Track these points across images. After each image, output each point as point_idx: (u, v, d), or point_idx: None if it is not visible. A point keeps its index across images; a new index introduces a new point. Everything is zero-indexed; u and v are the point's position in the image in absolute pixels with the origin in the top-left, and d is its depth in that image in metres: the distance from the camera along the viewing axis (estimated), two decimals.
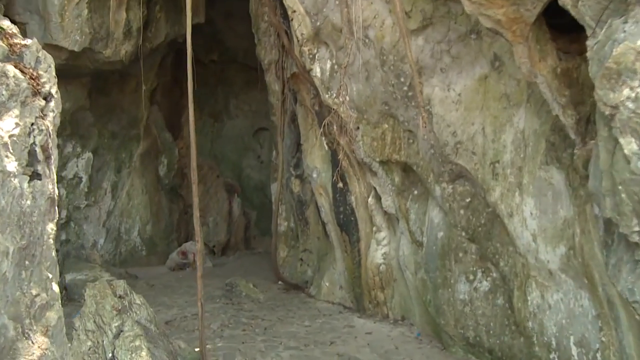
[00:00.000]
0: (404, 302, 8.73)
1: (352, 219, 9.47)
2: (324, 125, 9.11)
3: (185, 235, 18.44)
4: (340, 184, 8.99)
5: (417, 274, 8.05)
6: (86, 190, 17.18)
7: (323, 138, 9.61)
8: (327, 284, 10.56)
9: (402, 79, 7.46)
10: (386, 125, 8.15)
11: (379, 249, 9.00)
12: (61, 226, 17.01)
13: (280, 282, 12.05)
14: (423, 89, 7.22)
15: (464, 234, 7.10)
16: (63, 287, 10.77)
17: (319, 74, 9.16)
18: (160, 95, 18.83)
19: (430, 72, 7.15)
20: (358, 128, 8.52)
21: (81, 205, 17.19)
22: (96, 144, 17.45)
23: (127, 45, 12.56)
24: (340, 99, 8.82)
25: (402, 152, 7.99)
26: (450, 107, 6.96)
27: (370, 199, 8.94)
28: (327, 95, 9.01)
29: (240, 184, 19.92)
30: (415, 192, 8.16)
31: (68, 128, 17.41)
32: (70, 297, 10.88)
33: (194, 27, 17.14)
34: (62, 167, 17.31)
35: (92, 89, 17.42)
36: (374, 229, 9.11)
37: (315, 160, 10.32)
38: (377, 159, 8.32)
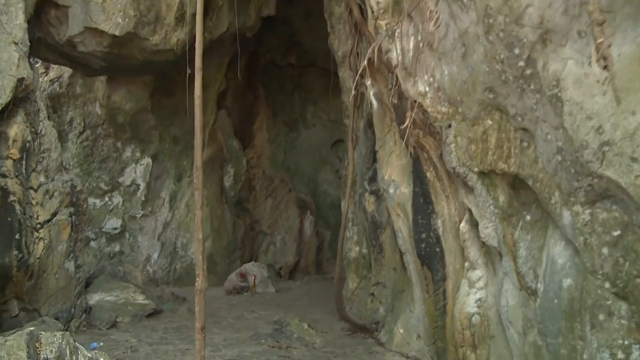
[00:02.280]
0: None
1: (437, 249, 7.11)
2: (405, 124, 6.87)
3: (250, 254, 16.60)
4: (423, 202, 6.72)
5: (527, 335, 5.59)
6: (143, 199, 15.74)
7: (402, 142, 7.33)
8: (401, 331, 8.22)
9: (516, 50, 5.11)
10: (489, 122, 5.78)
11: (472, 294, 6.58)
12: (115, 237, 15.63)
13: (344, 321, 9.80)
14: (548, 63, 4.84)
15: (607, 285, 4.62)
16: (84, 310, 9.04)
17: (399, 56, 6.94)
18: (231, 100, 17.21)
19: (560, 39, 4.76)
20: (449, 126, 6.20)
21: (137, 215, 15.73)
22: (156, 149, 16.00)
23: (179, 32, 10.86)
24: (426, 88, 6.55)
25: (511, 159, 5.59)
26: (593, 89, 4.54)
27: (462, 225, 6.56)
28: (409, 84, 6.77)
29: (315, 200, 17.86)
30: (528, 217, 5.71)
31: (128, 131, 16.05)
32: (92, 322, 9.12)
33: (264, 20, 15.42)
34: (119, 172, 15.94)
35: (155, 89, 16.01)
36: (467, 265, 6.72)
37: (393, 171, 8.07)
38: (475, 169, 5.96)
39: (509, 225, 5.87)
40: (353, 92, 8.93)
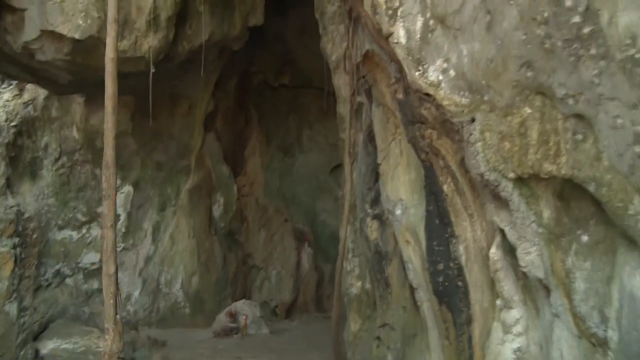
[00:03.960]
0: None
1: (459, 283, 5.58)
2: (413, 125, 5.44)
3: (243, 291, 15.04)
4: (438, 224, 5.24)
5: None
6: (124, 230, 14.22)
7: (411, 148, 5.89)
8: None
9: (567, 2, 3.68)
10: (528, 110, 4.31)
11: (508, 341, 5.02)
12: (93, 272, 14.07)
13: None
14: (618, 15, 3.41)
15: None
16: (33, 358, 7.48)
17: (403, 40, 5.52)
18: (221, 122, 15.85)
19: None
20: (473, 120, 4.73)
21: (117, 248, 14.16)
22: (138, 175, 14.55)
23: (152, 39, 9.50)
24: (439, 76, 5.12)
25: (562, 158, 4.11)
26: None
27: (493, 251, 5.02)
28: (417, 73, 5.33)
29: (313, 231, 16.34)
30: (585, 238, 4.19)
31: None
32: None
33: (255, 38, 14.12)
34: (98, 202, 14.44)
35: (136, 110, 14.64)
36: (499, 303, 5.17)
37: (400, 188, 6.59)
38: (511, 175, 4.46)
39: (558, 249, 4.35)
40: (349, 96, 7.51)
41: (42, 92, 14.54)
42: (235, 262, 14.99)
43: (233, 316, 12.44)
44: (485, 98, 4.64)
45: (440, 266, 5.71)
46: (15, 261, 7.27)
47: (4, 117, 14.93)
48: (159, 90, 14.47)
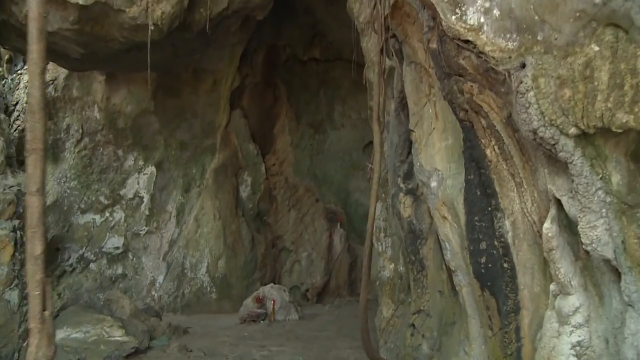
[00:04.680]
0: None
1: (505, 265, 4.74)
2: (450, 79, 4.60)
3: (272, 275, 14.36)
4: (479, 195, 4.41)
5: None
6: (147, 213, 13.71)
7: (448, 108, 5.04)
8: None
9: None
10: (595, 47, 3.44)
11: (566, 334, 4.19)
12: (117, 257, 13.64)
13: None
14: None
15: None
16: None
17: None
18: (248, 99, 15.11)
19: None
20: (523, 66, 3.86)
21: (141, 231, 13.72)
22: (161, 156, 13.96)
23: (164, 4, 8.77)
24: (480, 18, 4.26)
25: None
26: None
27: (547, 226, 4.18)
28: (453, 17, 4.47)
29: (346, 211, 15.56)
30: None
31: (129, 136, 14.06)
32: None
33: (282, 10, 13.26)
34: (120, 184, 13.97)
35: (158, 88, 14.03)
36: (553, 288, 4.35)
37: (435, 156, 5.76)
38: (572, 130, 3.61)
39: (632, 222, 3.50)
40: (378, 58, 6.67)
41: (62, 72, 14.08)
42: (264, 244, 14.32)
43: (260, 301, 11.80)
44: (539, 37, 3.77)
45: (483, 245, 4.87)
46: (16, 245, 6.69)
47: (25, 99, 14.55)
48: (181, 65, 13.89)
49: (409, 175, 7.57)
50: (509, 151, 4.37)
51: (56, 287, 13.30)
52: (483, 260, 4.89)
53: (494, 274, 4.83)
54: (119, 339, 7.94)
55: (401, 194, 7.60)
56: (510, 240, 4.61)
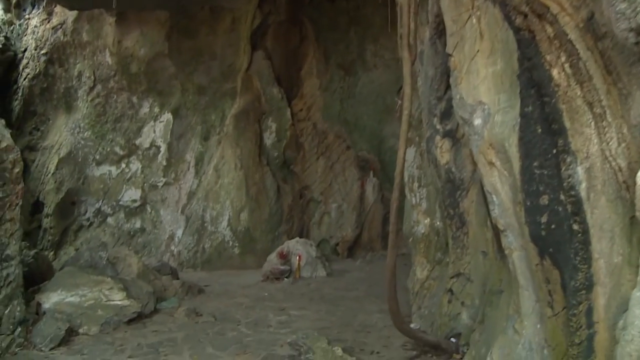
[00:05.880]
0: None
1: (576, 227, 3.57)
2: None
3: (299, 228, 13.42)
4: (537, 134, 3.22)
5: None
6: (164, 163, 12.79)
7: (496, 23, 3.79)
8: None
9: None
10: None
11: None
12: (135, 210, 12.83)
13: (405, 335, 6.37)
14: None
15: None
16: (19, 321, 6.16)
17: None
18: (271, 39, 13.88)
19: None
20: None
21: (158, 183, 12.84)
22: (178, 102, 12.93)
23: None
24: None
25: None
26: None
27: None
28: None
29: (379, 159, 14.38)
30: None
31: (143, 82, 13.02)
32: (32, 339, 6.20)
33: None
34: (136, 133, 13.03)
35: (172, 29, 12.88)
36: None
37: (480, 86, 4.52)
38: None
39: None
40: None
41: (70, 15, 13.10)
42: (291, 195, 13.33)
43: (285, 257, 10.86)
44: None
45: (544, 199, 3.70)
46: None
47: (33, 45, 13.64)
48: (196, 3, 12.70)
49: (447, 114, 6.38)
50: (586, 70, 3.14)
51: (74, 242, 12.68)
52: (544, 219, 3.72)
53: (559, 237, 3.66)
54: (119, 302, 7.08)
55: (438, 137, 6.44)
56: (583, 194, 3.42)
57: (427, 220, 7.44)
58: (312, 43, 14.66)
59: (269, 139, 13.38)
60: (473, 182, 6.09)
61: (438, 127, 6.47)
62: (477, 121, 4.52)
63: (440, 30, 6.37)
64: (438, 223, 7.26)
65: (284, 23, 14.15)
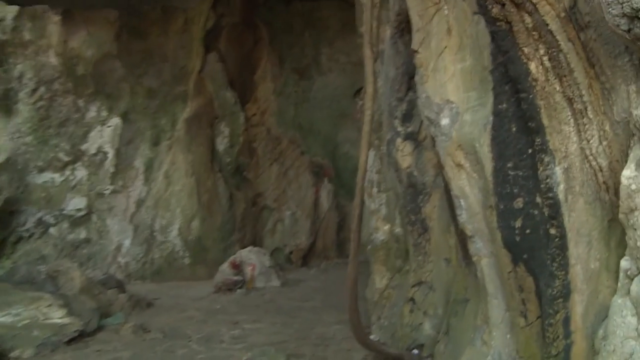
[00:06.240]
0: None
1: (553, 231, 3.35)
2: None
3: (252, 236, 13.02)
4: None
5: None
6: (112, 170, 12.20)
7: (465, 18, 3.58)
8: None
9: None
10: None
11: None
12: (80, 220, 12.21)
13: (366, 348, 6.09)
14: None
15: None
16: None
17: None
18: (225, 41, 13.50)
19: None
20: None
21: (105, 191, 12.25)
22: (126, 105, 12.34)
23: None
24: None
25: None
26: None
27: (629, 173, 2.76)
28: None
29: (334, 164, 14.17)
30: None
31: (90, 84, 12.43)
32: None
33: None
34: (82, 138, 12.41)
35: (121, 29, 12.35)
36: (627, 265, 2.96)
37: (447, 84, 4.29)
38: None
39: None
40: None
41: (10, 11, 12.37)
42: (244, 202, 12.93)
43: (237, 267, 10.46)
44: None
45: (519, 203, 3.48)
46: None
47: None
48: (147, 2, 12.24)
49: (408, 116, 6.17)
50: (567, 63, 2.93)
51: (11, 255, 11.93)
52: (518, 224, 3.50)
53: (534, 243, 3.45)
54: (59, 321, 6.55)
55: (399, 140, 6.21)
56: (561, 196, 3.21)
57: (387, 227, 7.21)
58: (266, 46, 14.38)
59: (221, 144, 12.98)
60: (435, 186, 5.88)
61: (399, 129, 6.24)
62: (445, 121, 4.29)
63: (401, 29, 6.17)
64: (398, 230, 7.04)
65: (238, 25, 13.83)
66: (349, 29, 14.16)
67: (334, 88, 14.54)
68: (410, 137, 6.06)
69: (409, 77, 6.07)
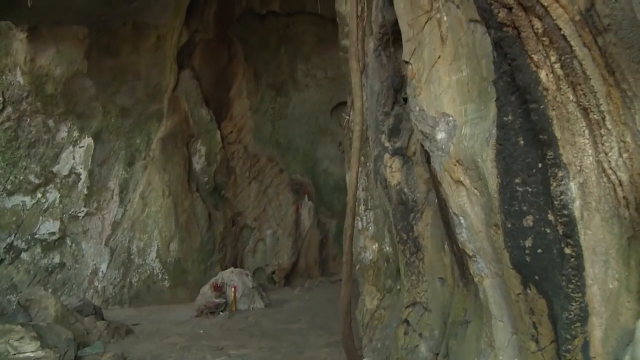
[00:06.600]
0: None
1: (568, 250, 3.12)
2: None
3: (233, 256, 12.68)
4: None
5: None
6: (85, 192, 11.80)
7: (460, 26, 3.37)
8: None
9: None
10: None
11: None
12: (53, 244, 11.76)
13: None
14: None
15: None
16: None
17: None
18: (199, 58, 13.25)
19: None
20: None
21: (79, 214, 11.82)
22: (99, 125, 11.99)
23: None
24: None
25: None
26: None
27: None
28: None
29: (314, 181, 13.98)
30: None
31: (60, 104, 12.01)
32: None
33: None
34: (53, 159, 11.98)
35: (92, 46, 12.05)
36: None
37: (443, 97, 4.08)
38: None
39: None
40: None
41: None
42: (223, 222, 12.62)
43: (219, 289, 10.12)
44: None
45: (528, 221, 3.25)
46: None
47: None
48: (117, 18, 11.92)
49: (395, 130, 5.94)
50: (582, 70, 2.73)
51: None
52: (528, 243, 3.27)
53: (547, 263, 3.22)
54: (32, 354, 6.17)
55: (386, 155, 5.97)
56: (577, 213, 2.99)
57: (375, 246, 6.96)
58: (241, 62, 14.16)
59: (198, 163, 12.67)
60: (427, 203, 5.64)
61: (386, 144, 6.01)
62: (441, 135, 4.08)
63: (385, 41, 5.97)
64: (387, 248, 6.79)
65: (212, 41, 13.60)
66: (325, 44, 14.05)
67: (312, 104, 14.37)
68: (399, 152, 5.83)
69: (394, 91, 5.87)
